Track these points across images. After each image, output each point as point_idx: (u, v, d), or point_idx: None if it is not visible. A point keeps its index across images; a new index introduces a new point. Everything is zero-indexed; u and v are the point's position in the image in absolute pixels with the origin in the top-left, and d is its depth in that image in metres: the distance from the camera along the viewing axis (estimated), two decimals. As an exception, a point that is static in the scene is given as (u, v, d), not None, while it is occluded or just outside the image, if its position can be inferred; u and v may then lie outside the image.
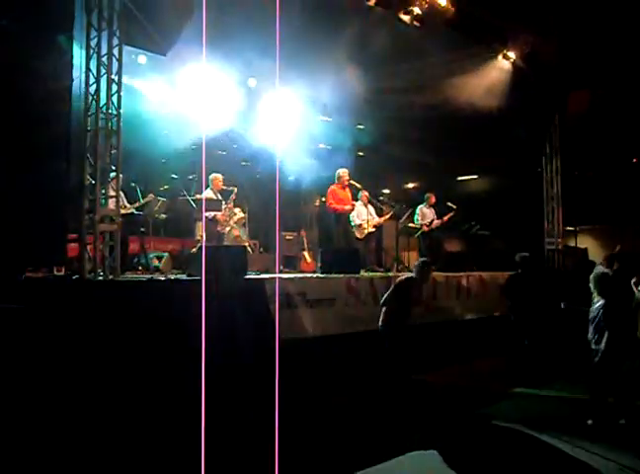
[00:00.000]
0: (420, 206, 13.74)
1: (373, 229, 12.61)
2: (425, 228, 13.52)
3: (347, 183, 12.27)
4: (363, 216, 12.41)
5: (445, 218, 13.62)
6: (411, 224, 13.45)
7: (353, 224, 12.41)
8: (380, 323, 7.81)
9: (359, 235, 12.37)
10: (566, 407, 8.06)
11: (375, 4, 12.10)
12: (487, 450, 6.55)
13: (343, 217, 12.23)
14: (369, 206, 12.67)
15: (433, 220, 13.67)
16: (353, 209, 12.39)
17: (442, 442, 6.56)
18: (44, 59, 8.53)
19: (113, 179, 8.35)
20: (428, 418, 7.43)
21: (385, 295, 7.92)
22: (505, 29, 14.58)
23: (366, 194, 12.58)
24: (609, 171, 20.30)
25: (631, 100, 17.07)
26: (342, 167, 12.54)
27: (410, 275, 8.10)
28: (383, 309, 7.83)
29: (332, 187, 12.28)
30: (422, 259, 8.32)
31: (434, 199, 13.90)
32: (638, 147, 20.22)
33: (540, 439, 6.76)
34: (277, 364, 7.98)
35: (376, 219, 12.72)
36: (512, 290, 10.30)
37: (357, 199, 12.54)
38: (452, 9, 13.02)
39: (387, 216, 12.82)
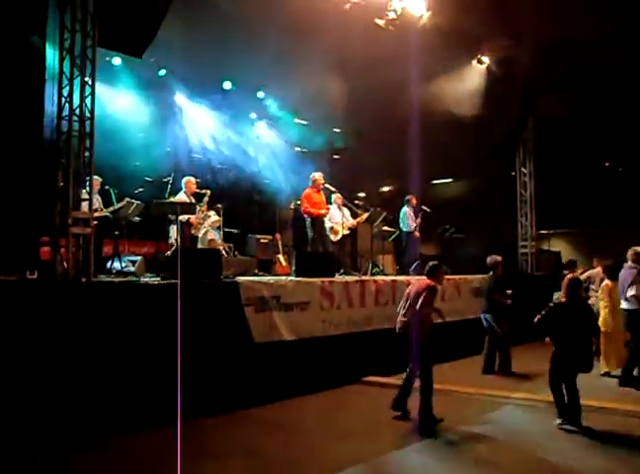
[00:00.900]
0: (405, 209, 13.56)
1: (348, 232, 12.60)
2: (417, 234, 13.40)
3: (322, 186, 12.24)
4: (336, 219, 12.39)
5: (419, 220, 13.53)
6: (386, 228, 13.36)
7: (325, 227, 12.37)
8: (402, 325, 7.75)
9: (333, 238, 12.35)
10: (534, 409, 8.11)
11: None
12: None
13: (318, 221, 12.18)
14: (344, 209, 12.66)
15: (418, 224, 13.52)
16: (328, 213, 12.38)
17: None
18: (16, 61, 8.44)
19: (86, 182, 8.27)
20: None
21: (420, 301, 7.70)
22: (479, 33, 14.72)
23: (340, 196, 12.58)
24: (582, 175, 20.55)
25: (604, 104, 17.28)
26: (317, 170, 12.55)
27: (424, 279, 7.96)
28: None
29: (307, 190, 12.25)
30: (433, 262, 8.25)
31: (415, 200, 13.70)
32: (611, 151, 20.48)
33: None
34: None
35: (350, 221, 12.67)
36: (490, 293, 10.39)
37: (330, 203, 12.53)
38: (427, 13, 13.13)
39: (361, 219, 12.69)
